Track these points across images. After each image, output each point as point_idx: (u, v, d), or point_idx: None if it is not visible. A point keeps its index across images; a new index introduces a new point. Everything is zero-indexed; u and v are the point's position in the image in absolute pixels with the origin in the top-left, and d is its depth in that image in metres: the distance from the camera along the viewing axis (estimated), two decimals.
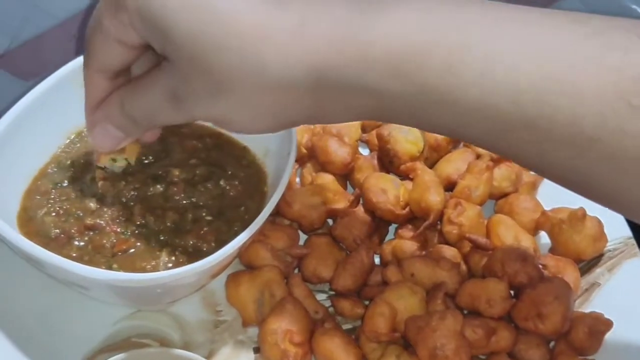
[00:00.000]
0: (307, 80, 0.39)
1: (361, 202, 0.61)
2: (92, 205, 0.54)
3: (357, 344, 0.54)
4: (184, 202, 0.55)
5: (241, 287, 0.56)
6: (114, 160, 0.54)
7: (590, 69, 0.36)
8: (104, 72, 0.45)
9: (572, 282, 0.56)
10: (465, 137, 0.41)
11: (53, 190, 0.55)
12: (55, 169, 0.56)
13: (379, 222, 0.61)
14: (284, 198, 0.58)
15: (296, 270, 0.59)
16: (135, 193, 0.55)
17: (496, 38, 0.37)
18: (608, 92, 0.35)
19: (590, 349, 0.55)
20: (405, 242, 0.59)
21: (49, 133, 0.56)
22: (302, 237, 0.60)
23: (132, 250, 0.52)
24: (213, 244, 0.53)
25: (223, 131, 0.59)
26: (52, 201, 0.55)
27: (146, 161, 0.57)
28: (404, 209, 0.60)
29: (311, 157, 0.64)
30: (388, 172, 0.63)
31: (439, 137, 0.64)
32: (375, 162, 0.64)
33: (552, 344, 0.56)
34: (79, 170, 0.56)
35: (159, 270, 0.51)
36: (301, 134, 0.64)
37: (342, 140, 0.63)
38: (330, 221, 0.61)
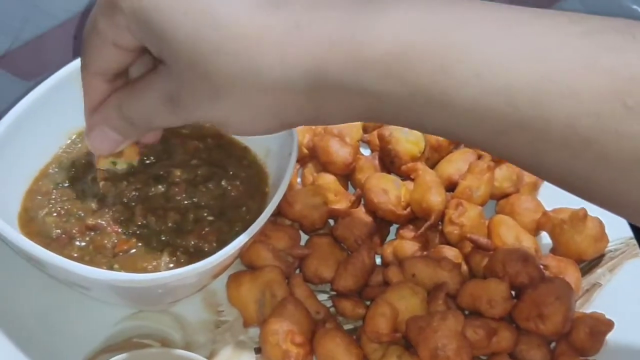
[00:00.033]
0: (304, 82, 0.39)
1: (362, 202, 0.61)
2: (94, 205, 0.54)
3: (359, 344, 0.54)
4: (186, 202, 0.55)
5: (242, 287, 0.56)
6: (114, 163, 0.54)
7: (585, 70, 0.35)
8: (102, 75, 0.45)
9: (573, 282, 0.56)
10: (461, 139, 0.41)
11: (54, 191, 0.55)
12: (57, 169, 0.56)
13: (380, 222, 0.61)
14: (286, 198, 0.58)
15: (297, 271, 0.59)
16: (137, 193, 0.55)
17: (491, 38, 0.37)
18: (603, 93, 0.35)
19: (592, 349, 0.55)
20: (406, 242, 0.59)
21: (50, 133, 0.56)
22: (304, 237, 0.60)
23: (134, 250, 0.52)
24: (214, 244, 0.53)
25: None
26: (53, 201, 0.54)
27: (147, 161, 0.57)
28: (405, 209, 0.60)
29: (312, 157, 0.64)
30: (389, 172, 0.63)
31: (440, 137, 0.64)
32: (377, 162, 0.64)
33: (553, 344, 0.56)
34: (80, 171, 0.56)
35: (160, 271, 0.51)
36: (302, 134, 0.64)
37: (344, 141, 0.63)
38: (331, 221, 0.61)
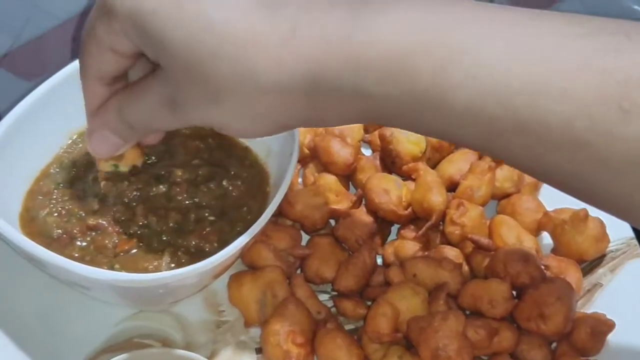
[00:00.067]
0: (301, 84, 0.39)
1: (363, 202, 0.61)
2: (95, 205, 0.54)
3: (360, 344, 0.54)
4: (187, 202, 0.55)
5: (243, 287, 0.56)
6: (115, 166, 0.54)
7: (580, 72, 0.35)
8: (100, 79, 0.45)
9: (574, 282, 0.56)
10: (458, 141, 0.41)
11: (55, 191, 0.55)
12: (58, 170, 0.56)
13: (382, 222, 0.61)
14: (287, 198, 0.58)
15: (298, 271, 0.59)
16: (138, 193, 0.55)
17: (488, 39, 0.37)
18: (597, 95, 0.35)
19: (593, 349, 0.55)
20: (407, 242, 0.59)
21: (51, 133, 0.56)
22: (305, 237, 0.60)
23: (135, 250, 0.52)
24: (215, 245, 0.53)
25: None
26: (54, 201, 0.55)
27: (149, 162, 0.57)
28: (406, 209, 0.60)
29: (314, 157, 0.64)
30: (390, 172, 0.63)
31: None
32: (378, 162, 0.64)
33: (554, 344, 0.56)
34: (81, 171, 0.56)
35: (161, 271, 0.51)
36: (304, 135, 0.64)
37: (345, 141, 0.62)
38: (332, 222, 0.61)
